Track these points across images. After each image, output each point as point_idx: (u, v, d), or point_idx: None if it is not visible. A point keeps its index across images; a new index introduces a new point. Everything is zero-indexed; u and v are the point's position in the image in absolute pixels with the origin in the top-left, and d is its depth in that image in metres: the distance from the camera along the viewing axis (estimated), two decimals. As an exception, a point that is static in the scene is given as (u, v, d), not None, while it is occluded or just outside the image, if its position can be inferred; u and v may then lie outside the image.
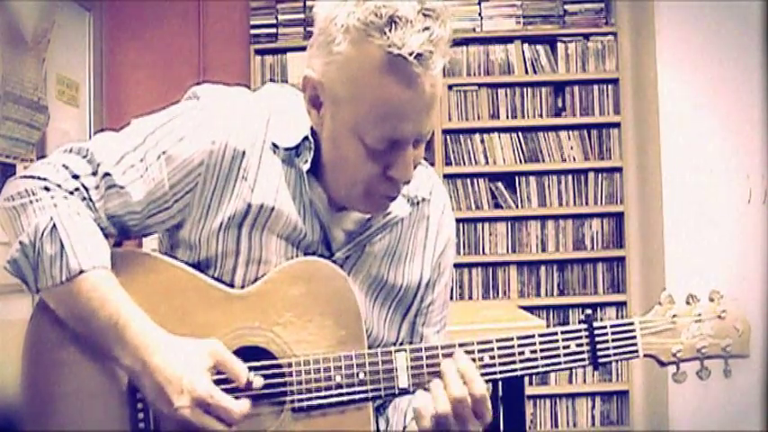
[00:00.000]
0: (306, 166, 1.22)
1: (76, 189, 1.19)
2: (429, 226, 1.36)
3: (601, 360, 1.24)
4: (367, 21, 1.09)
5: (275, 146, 1.24)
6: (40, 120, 3.61)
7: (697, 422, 3.58)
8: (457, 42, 4.42)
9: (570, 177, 4.22)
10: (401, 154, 1.16)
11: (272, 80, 4.15)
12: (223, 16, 4.37)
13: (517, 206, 4.20)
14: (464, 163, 4.21)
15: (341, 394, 1.19)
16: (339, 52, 1.12)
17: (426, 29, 1.09)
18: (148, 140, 1.22)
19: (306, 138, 1.23)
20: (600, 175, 4.21)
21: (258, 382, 1.16)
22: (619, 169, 4.19)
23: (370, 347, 1.28)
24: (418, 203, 1.34)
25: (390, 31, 1.08)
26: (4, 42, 3.34)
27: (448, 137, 4.21)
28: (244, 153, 1.22)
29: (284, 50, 4.21)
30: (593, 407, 4.14)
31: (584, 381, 4.15)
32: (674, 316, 1.25)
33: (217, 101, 1.25)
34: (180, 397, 1.10)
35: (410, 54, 1.08)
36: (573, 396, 4.14)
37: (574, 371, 4.14)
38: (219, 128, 1.22)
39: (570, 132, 4.22)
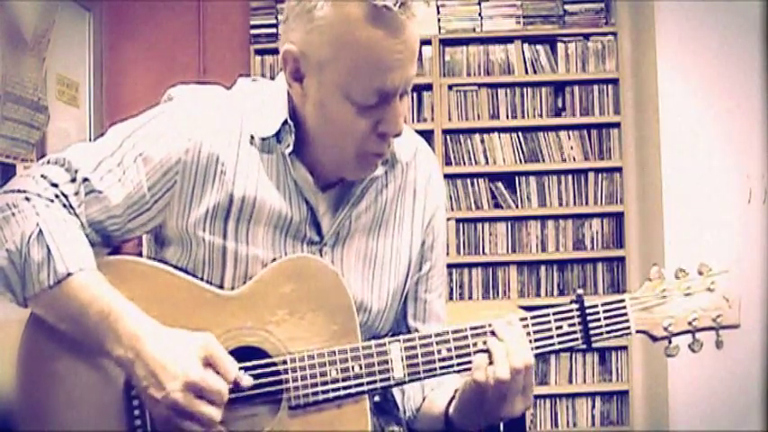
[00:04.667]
0: (288, 150, 1.23)
1: (56, 196, 1.20)
2: (416, 191, 1.37)
3: (594, 339, 1.24)
4: None
5: (253, 137, 1.25)
6: (40, 120, 3.61)
7: (697, 422, 3.58)
8: (457, 42, 4.39)
9: (570, 177, 4.21)
10: (391, 107, 1.18)
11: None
12: (223, 16, 4.38)
13: (517, 206, 4.20)
14: (464, 163, 4.21)
15: (337, 389, 1.19)
16: (321, 17, 1.14)
17: None
18: (125, 144, 1.23)
19: (285, 122, 1.23)
20: (600, 175, 4.20)
21: (247, 381, 1.15)
22: (619, 169, 4.19)
23: (371, 323, 1.29)
24: (403, 170, 1.34)
25: None
26: (4, 42, 3.34)
27: (448, 137, 4.21)
28: (221, 148, 1.23)
29: (284, 50, 4.21)
30: (594, 407, 4.14)
31: (584, 381, 4.15)
32: (664, 290, 1.26)
33: (191, 100, 1.26)
34: (172, 381, 1.09)
35: (395, 4, 1.11)
36: (573, 396, 4.14)
37: (574, 370, 4.14)
38: (195, 126, 1.22)
39: (570, 132, 4.22)
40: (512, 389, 1.18)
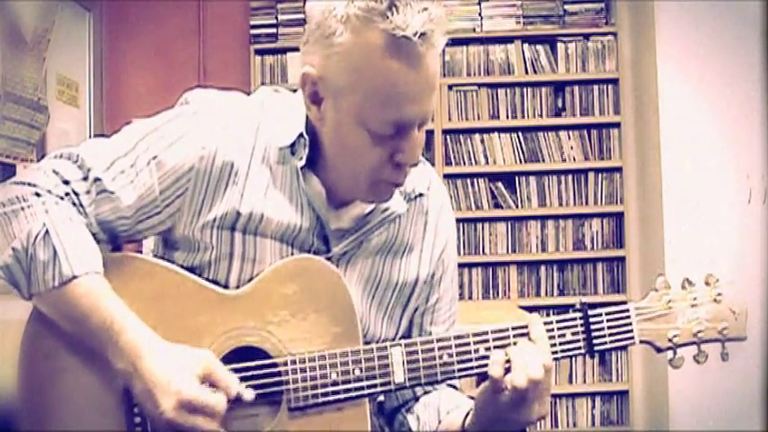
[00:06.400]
0: (301, 163, 1.23)
1: (66, 194, 1.19)
2: (428, 222, 1.36)
3: (596, 348, 1.23)
4: (368, 7, 1.11)
5: (267, 149, 1.24)
6: (40, 120, 3.61)
7: (697, 422, 3.58)
8: (457, 42, 4.39)
9: (570, 177, 4.21)
10: (407, 137, 1.17)
11: (272, 81, 4.15)
12: (223, 16, 4.37)
13: (517, 206, 4.20)
14: (464, 163, 4.21)
15: (337, 392, 1.19)
16: (341, 43, 1.13)
17: (425, 9, 1.11)
18: (139, 146, 1.22)
19: (300, 135, 1.23)
20: (600, 175, 4.20)
21: (249, 395, 1.15)
22: (619, 169, 4.19)
23: (368, 340, 1.27)
24: (416, 198, 1.34)
25: (392, 14, 1.10)
26: (4, 42, 3.34)
27: (448, 137, 4.20)
28: (234, 159, 1.22)
29: (284, 50, 4.21)
30: (594, 407, 4.13)
31: (584, 381, 4.15)
32: (670, 301, 1.24)
33: (208, 107, 1.25)
34: (166, 399, 1.09)
35: (414, 34, 1.10)
36: (573, 396, 4.13)
37: (574, 370, 4.13)
38: (210, 134, 1.22)
39: (570, 132, 4.21)
40: (528, 396, 1.15)
